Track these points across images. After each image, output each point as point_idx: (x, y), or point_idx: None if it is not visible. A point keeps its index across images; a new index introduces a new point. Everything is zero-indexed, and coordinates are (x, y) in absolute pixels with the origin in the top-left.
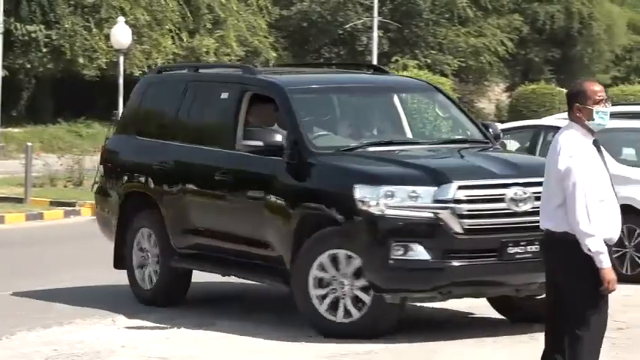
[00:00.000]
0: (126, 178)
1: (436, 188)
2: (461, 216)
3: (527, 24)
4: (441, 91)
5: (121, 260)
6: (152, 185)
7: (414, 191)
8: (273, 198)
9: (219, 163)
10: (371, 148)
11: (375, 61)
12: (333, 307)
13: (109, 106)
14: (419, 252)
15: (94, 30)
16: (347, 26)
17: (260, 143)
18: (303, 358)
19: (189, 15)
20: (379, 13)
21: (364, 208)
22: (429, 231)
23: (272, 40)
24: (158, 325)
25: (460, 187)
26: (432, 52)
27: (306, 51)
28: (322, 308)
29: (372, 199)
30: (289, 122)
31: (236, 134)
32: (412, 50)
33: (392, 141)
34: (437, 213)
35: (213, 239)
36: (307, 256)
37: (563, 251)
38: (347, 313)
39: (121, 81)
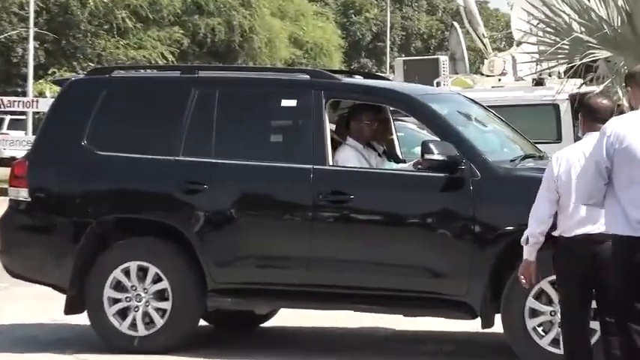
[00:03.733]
0: (99, 204)
1: None
2: None
3: (188, 37)
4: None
5: (75, 304)
6: (172, 211)
7: None
8: (454, 221)
9: (321, 183)
10: (531, 164)
11: (31, 73)
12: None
13: None
14: None
15: None
16: (1, 37)
17: (442, 157)
18: None
19: None
20: (35, 24)
21: None
22: None
23: None
24: None
25: None
26: (91, 64)
27: None
28: (544, 342)
29: None
30: (446, 135)
31: (325, 148)
32: (70, 62)
33: (531, 154)
34: None
35: (297, 270)
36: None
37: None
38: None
39: None
